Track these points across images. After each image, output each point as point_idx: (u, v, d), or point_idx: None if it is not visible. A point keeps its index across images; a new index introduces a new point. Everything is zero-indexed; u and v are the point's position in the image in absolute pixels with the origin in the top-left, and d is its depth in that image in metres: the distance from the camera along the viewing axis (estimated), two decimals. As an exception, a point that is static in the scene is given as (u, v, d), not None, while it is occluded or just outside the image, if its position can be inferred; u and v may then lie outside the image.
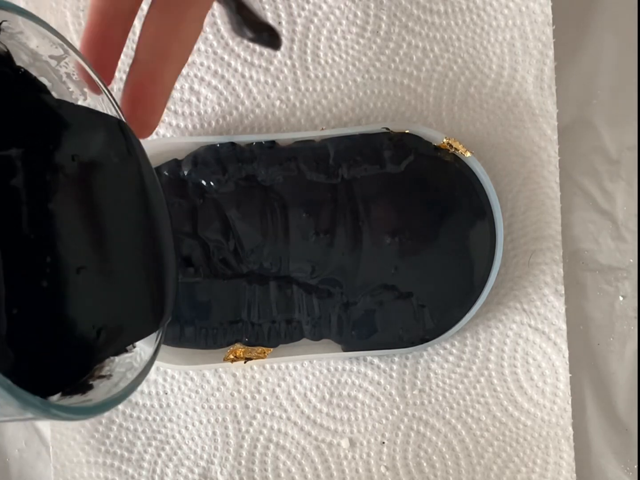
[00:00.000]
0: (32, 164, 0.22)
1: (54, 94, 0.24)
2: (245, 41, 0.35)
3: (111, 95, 0.25)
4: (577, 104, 0.36)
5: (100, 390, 0.21)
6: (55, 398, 0.19)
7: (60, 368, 0.18)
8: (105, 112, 0.25)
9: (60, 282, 0.21)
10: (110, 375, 0.22)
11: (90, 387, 0.21)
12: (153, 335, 0.24)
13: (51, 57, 0.24)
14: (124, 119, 0.26)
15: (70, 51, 0.24)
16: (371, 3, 0.35)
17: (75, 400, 0.20)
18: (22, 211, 0.21)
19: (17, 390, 0.16)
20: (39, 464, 0.35)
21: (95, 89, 0.25)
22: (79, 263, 0.22)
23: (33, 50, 0.23)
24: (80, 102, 0.25)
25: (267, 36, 0.25)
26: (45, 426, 0.35)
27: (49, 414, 0.17)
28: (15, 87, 0.23)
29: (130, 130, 0.26)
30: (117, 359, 0.23)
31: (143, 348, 0.23)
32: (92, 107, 0.25)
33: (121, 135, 0.25)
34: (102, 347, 0.22)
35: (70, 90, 0.25)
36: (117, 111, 0.26)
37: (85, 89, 0.25)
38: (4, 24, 0.22)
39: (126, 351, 0.23)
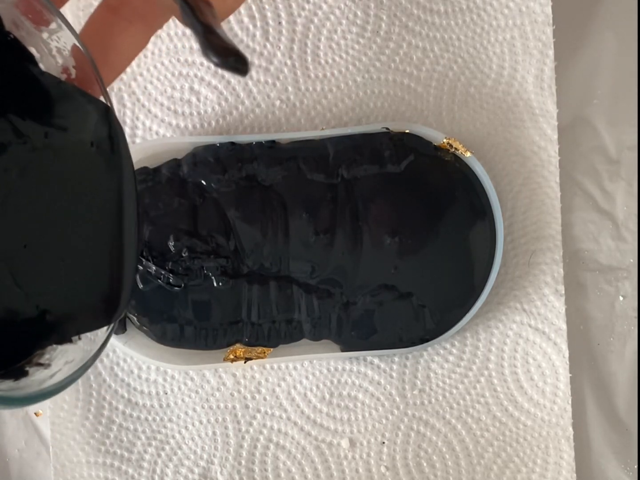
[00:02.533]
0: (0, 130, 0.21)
1: (42, 65, 0.23)
2: (245, 41, 0.35)
3: (100, 78, 0.25)
4: (577, 104, 0.36)
5: (34, 379, 0.20)
6: None
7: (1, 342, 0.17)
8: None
9: (4, 254, 0.20)
10: (49, 365, 0.21)
11: (26, 373, 0.20)
12: (102, 330, 0.23)
13: (38, 28, 0.23)
14: (110, 104, 0.25)
15: (64, 26, 0.23)
16: (371, 3, 0.35)
17: (5, 386, 0.19)
18: None
19: None
20: (39, 464, 0.35)
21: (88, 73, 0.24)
22: (27, 239, 0.21)
23: (19, 17, 0.23)
24: (65, 79, 0.24)
25: (233, 61, 0.24)
26: (46, 426, 0.35)
27: None
28: (0, 53, 0.22)
29: (116, 119, 0.25)
30: (59, 347, 0.22)
31: (88, 342, 0.22)
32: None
33: (106, 122, 0.24)
34: (45, 331, 0.21)
35: (58, 65, 0.24)
36: (105, 97, 0.25)
37: (73, 68, 0.24)
38: None
39: (71, 341, 0.22)
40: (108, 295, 0.23)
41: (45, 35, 0.23)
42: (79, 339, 0.22)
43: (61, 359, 0.21)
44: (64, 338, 0.22)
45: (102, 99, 0.25)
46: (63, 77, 0.24)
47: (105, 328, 0.23)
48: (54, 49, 0.24)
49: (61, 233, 0.22)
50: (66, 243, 0.22)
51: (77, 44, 0.24)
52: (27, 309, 0.20)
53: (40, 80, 0.23)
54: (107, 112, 0.25)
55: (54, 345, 0.21)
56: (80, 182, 0.23)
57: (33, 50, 0.23)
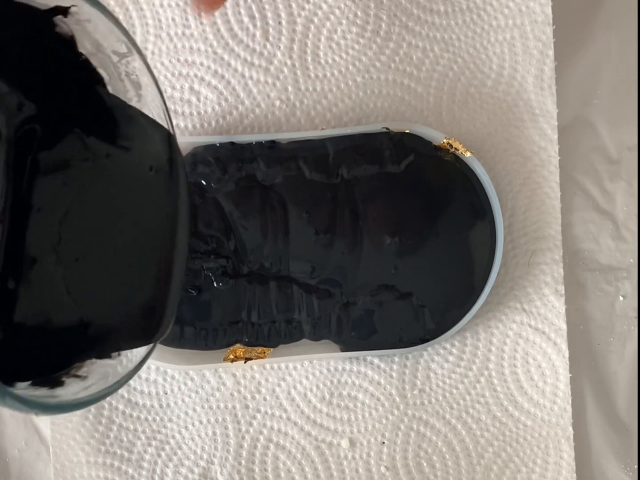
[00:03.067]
0: (63, 144, 0.21)
1: (110, 88, 0.24)
2: (245, 41, 0.35)
3: (165, 106, 0.25)
4: (577, 104, 0.36)
5: (69, 390, 0.20)
6: (23, 385, 0.19)
7: (40, 356, 0.17)
8: (154, 118, 0.25)
9: (61, 263, 0.21)
10: (86, 377, 0.21)
11: (62, 383, 0.20)
12: (142, 349, 0.23)
13: (114, 52, 0.24)
14: (172, 131, 0.25)
15: (134, 51, 0.24)
16: (371, 3, 0.35)
17: (40, 393, 0.19)
18: (37, 183, 0.21)
19: None
20: (39, 464, 0.35)
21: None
22: (81, 252, 0.21)
23: (97, 40, 0.23)
24: (133, 103, 0.25)
25: None
26: (46, 426, 0.35)
27: (2, 401, 0.16)
28: (71, 72, 0.23)
29: (176, 145, 0.25)
30: (97, 362, 0.22)
31: (126, 359, 0.23)
32: (145, 111, 0.25)
33: (167, 148, 0.25)
34: (87, 345, 0.21)
35: (126, 89, 0.25)
36: (168, 122, 0.25)
37: (141, 92, 0.25)
38: (72, 8, 0.22)
39: (110, 357, 0.23)
40: (151, 315, 0.24)
41: (115, 58, 0.24)
42: (119, 355, 0.23)
43: (99, 372, 0.22)
44: (104, 353, 0.22)
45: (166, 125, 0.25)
46: (130, 101, 0.25)
47: (144, 347, 0.24)
48: (123, 72, 0.24)
49: (113, 251, 0.23)
50: (117, 261, 0.23)
51: (147, 71, 0.24)
52: (72, 320, 0.21)
53: (106, 102, 0.23)
54: (169, 138, 0.25)
55: (94, 360, 0.22)
56: (136, 203, 0.24)
57: (103, 73, 0.24)
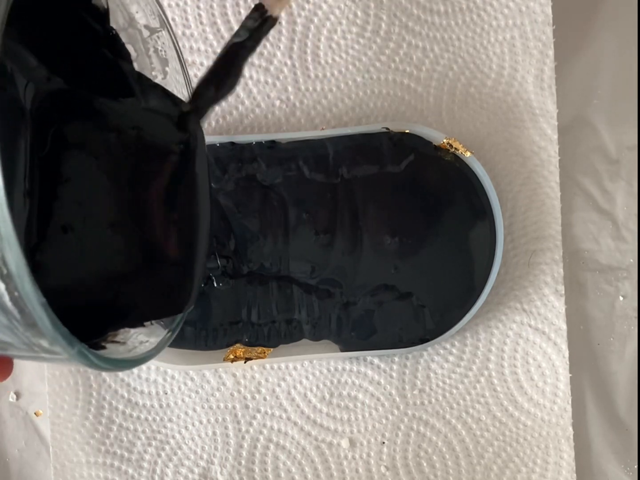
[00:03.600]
0: (88, 117, 0.22)
1: (136, 65, 0.24)
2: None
3: (189, 80, 0.26)
4: (577, 104, 0.36)
5: (113, 353, 0.21)
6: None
7: (76, 320, 0.18)
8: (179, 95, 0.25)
9: (89, 233, 0.21)
10: (124, 343, 0.22)
11: (103, 347, 0.21)
12: (173, 318, 0.24)
13: (146, 27, 0.24)
14: (195, 109, 0.25)
15: (166, 26, 0.24)
16: (371, 3, 0.35)
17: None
18: (64, 156, 0.21)
19: (61, 327, 0.16)
20: (39, 464, 0.35)
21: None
22: (108, 222, 0.22)
23: (131, 14, 0.24)
24: (158, 80, 0.25)
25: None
26: (46, 426, 0.35)
27: (80, 356, 0.17)
28: (99, 48, 0.23)
29: (198, 123, 0.26)
30: (132, 330, 0.23)
31: (161, 326, 0.23)
32: (168, 88, 0.25)
33: (186, 126, 0.25)
34: (118, 316, 0.22)
35: (152, 65, 0.25)
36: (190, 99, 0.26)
37: (167, 68, 0.25)
38: None
39: (143, 326, 0.23)
40: (180, 287, 0.24)
41: (146, 33, 0.24)
42: (151, 324, 0.23)
43: (136, 339, 0.22)
44: (137, 323, 0.23)
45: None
46: (155, 78, 0.25)
47: (177, 316, 0.24)
48: (152, 48, 0.25)
49: (142, 223, 0.23)
50: (146, 233, 0.23)
51: (174, 47, 0.25)
52: (103, 290, 0.21)
53: (128, 78, 0.23)
54: (187, 118, 0.25)
55: (127, 328, 0.22)
56: (159, 174, 0.24)
57: (131, 49, 0.24)
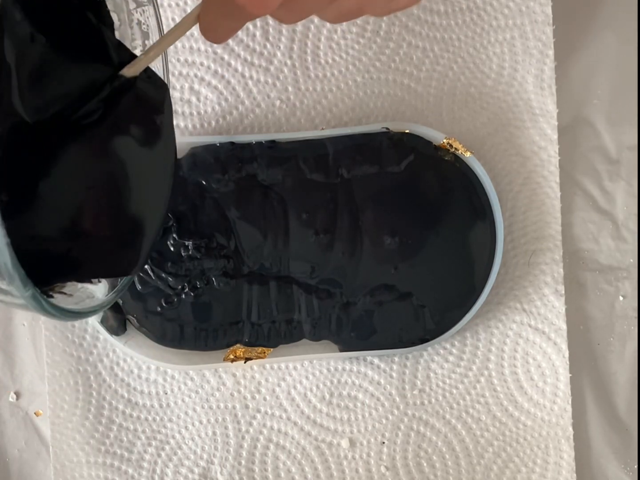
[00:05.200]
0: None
1: (117, 33, 0.25)
2: (245, 41, 0.35)
3: (166, 59, 0.26)
4: (577, 104, 0.36)
5: (61, 303, 0.21)
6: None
7: (28, 266, 0.18)
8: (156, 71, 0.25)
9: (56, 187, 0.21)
10: (71, 295, 0.23)
11: (51, 297, 0.22)
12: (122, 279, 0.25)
13: None
14: (169, 87, 0.26)
15: (154, 2, 0.25)
16: (371, 3, 0.35)
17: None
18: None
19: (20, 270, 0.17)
20: (39, 464, 0.35)
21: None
22: (87, 183, 0.22)
23: None
24: (136, 52, 0.25)
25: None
26: (46, 426, 0.35)
27: (34, 301, 0.18)
28: (84, 11, 0.23)
29: (170, 99, 0.26)
30: (79, 284, 0.23)
31: (106, 286, 0.24)
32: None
33: (161, 106, 0.26)
34: (67, 268, 0.22)
35: (133, 36, 0.25)
36: (165, 75, 0.26)
37: (147, 42, 0.25)
38: None
39: (91, 282, 0.24)
40: (132, 248, 0.25)
41: (132, 5, 0.25)
42: (99, 282, 0.24)
43: (82, 293, 0.23)
44: (83, 279, 0.24)
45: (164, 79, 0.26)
46: (135, 49, 0.25)
47: (124, 278, 0.25)
48: (135, 20, 0.25)
49: (106, 182, 0.24)
50: (105, 192, 0.24)
51: (157, 24, 0.25)
52: (57, 241, 0.22)
53: (106, 44, 0.24)
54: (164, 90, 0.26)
55: (74, 282, 0.23)
56: (129, 142, 0.25)
57: (115, 17, 0.24)
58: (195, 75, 0.35)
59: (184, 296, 0.33)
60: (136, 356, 0.33)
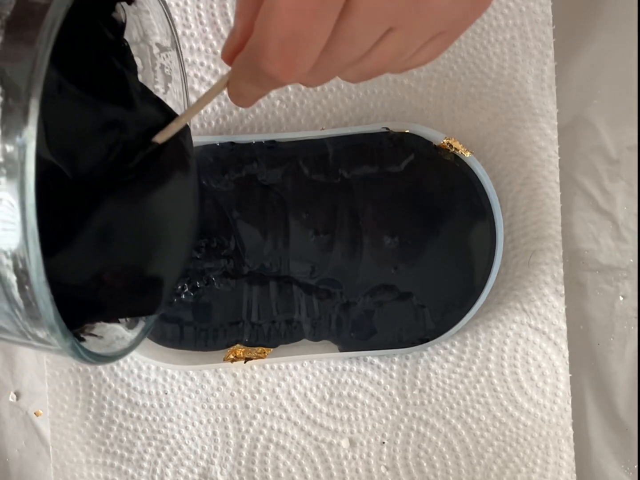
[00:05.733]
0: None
1: (140, 76, 0.26)
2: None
3: (188, 101, 0.27)
4: (577, 104, 0.36)
5: (93, 347, 0.22)
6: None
7: (60, 309, 0.19)
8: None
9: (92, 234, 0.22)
10: (102, 337, 0.23)
11: (83, 340, 0.22)
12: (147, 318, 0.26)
13: (158, 44, 0.26)
14: (188, 125, 0.27)
15: (176, 48, 0.26)
16: (371, 3, 0.35)
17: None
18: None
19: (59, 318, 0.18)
20: (39, 464, 0.35)
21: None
22: (109, 223, 0.23)
23: (146, 32, 0.25)
24: (159, 94, 0.26)
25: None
26: (46, 426, 0.35)
27: (71, 349, 0.19)
28: (109, 56, 0.24)
29: (190, 138, 0.27)
30: (107, 325, 0.24)
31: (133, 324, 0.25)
32: (169, 103, 0.27)
33: (181, 146, 0.27)
34: (94, 309, 0.23)
35: (156, 79, 0.26)
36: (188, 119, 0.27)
37: (170, 84, 0.27)
38: None
39: (118, 322, 0.25)
40: (155, 288, 0.25)
41: (156, 50, 0.26)
42: (126, 321, 0.25)
43: (112, 334, 0.24)
44: (111, 319, 0.24)
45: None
46: (157, 91, 0.26)
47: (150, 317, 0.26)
48: (159, 64, 0.26)
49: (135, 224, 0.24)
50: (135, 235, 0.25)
51: (180, 69, 0.26)
52: (85, 282, 0.23)
53: (129, 88, 0.25)
54: (184, 130, 0.27)
55: (102, 323, 0.24)
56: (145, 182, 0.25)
57: (138, 61, 0.25)
58: (195, 75, 0.35)
59: (184, 296, 0.33)
60: (136, 356, 0.33)
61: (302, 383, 0.35)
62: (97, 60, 0.23)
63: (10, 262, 0.17)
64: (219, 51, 0.35)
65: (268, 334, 0.33)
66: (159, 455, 0.35)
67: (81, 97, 0.22)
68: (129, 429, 0.35)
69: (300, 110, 0.35)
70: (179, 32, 0.35)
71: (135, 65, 0.25)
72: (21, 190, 0.16)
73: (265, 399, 0.35)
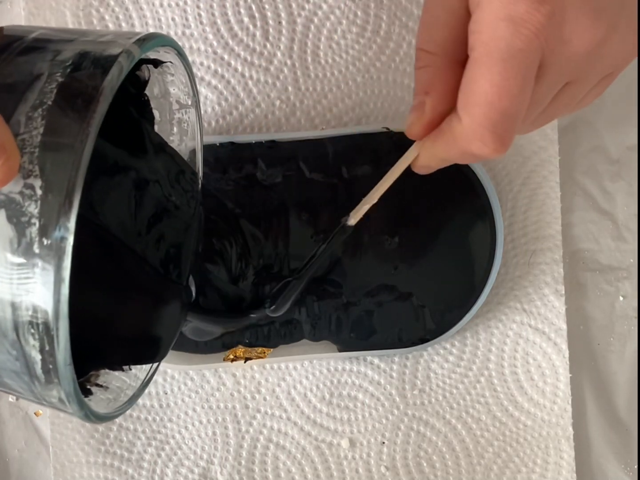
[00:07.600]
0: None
1: (157, 127, 0.27)
2: (245, 41, 0.35)
3: (202, 155, 0.29)
4: (577, 104, 0.36)
5: (100, 401, 0.23)
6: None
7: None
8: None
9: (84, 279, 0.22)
10: (107, 387, 0.24)
11: (90, 392, 0.23)
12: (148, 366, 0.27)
13: (177, 101, 0.27)
14: (200, 174, 0.29)
15: (195, 107, 0.27)
16: (371, 3, 0.35)
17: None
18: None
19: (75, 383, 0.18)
20: (39, 464, 0.35)
21: None
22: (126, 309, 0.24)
23: (167, 89, 0.26)
24: (173, 145, 0.28)
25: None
26: (46, 426, 0.35)
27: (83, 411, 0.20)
28: (127, 105, 0.25)
29: (198, 187, 0.28)
30: (112, 373, 0.24)
31: (137, 374, 0.26)
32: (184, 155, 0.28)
33: (190, 188, 0.28)
34: (98, 357, 0.24)
35: (173, 132, 0.27)
36: (198, 167, 0.29)
37: (185, 138, 0.28)
38: (168, 63, 0.24)
39: (122, 370, 0.25)
40: (152, 338, 0.27)
41: (175, 106, 0.27)
42: (130, 369, 0.26)
43: (117, 383, 0.25)
44: (115, 366, 0.25)
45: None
46: (172, 142, 0.27)
47: (152, 365, 0.27)
48: (176, 118, 0.27)
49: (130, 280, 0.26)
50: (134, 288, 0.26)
51: (198, 125, 0.27)
52: (92, 333, 0.23)
53: (145, 138, 0.26)
54: (193, 177, 0.28)
55: (106, 370, 0.24)
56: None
57: (156, 114, 0.26)
58: (195, 75, 0.35)
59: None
60: (136, 356, 0.34)
61: (302, 383, 0.35)
62: (114, 108, 0.24)
63: (37, 344, 0.17)
64: (219, 51, 0.35)
65: (268, 334, 0.33)
66: (159, 455, 0.35)
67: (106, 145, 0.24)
68: (129, 429, 0.35)
69: (300, 110, 0.35)
70: (179, 32, 0.35)
71: (153, 117, 0.26)
72: (56, 284, 0.16)
73: (265, 399, 0.35)
